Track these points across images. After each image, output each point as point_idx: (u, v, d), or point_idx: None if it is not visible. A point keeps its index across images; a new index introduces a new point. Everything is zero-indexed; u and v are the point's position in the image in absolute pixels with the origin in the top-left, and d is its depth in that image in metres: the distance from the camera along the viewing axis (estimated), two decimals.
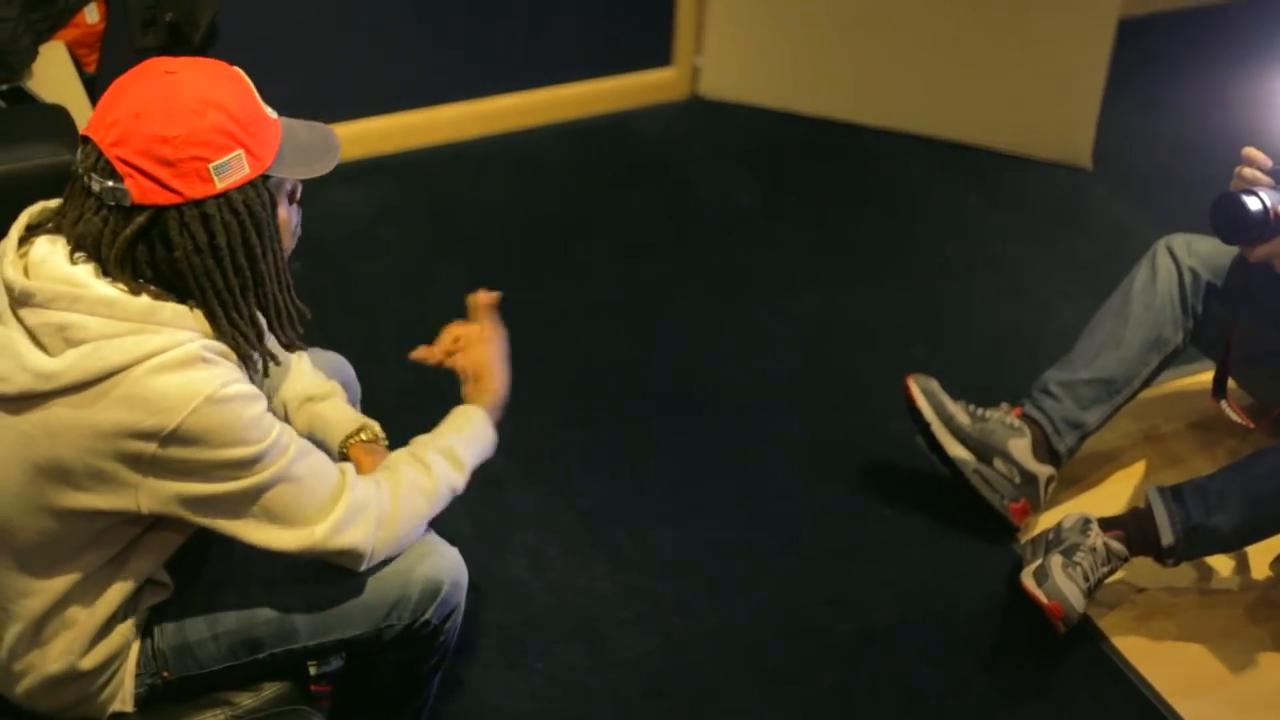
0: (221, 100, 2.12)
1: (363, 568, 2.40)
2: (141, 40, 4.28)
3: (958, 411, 3.62)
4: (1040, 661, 3.37)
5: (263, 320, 2.28)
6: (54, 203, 2.28)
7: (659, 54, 5.36)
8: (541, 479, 3.76)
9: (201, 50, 4.33)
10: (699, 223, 4.84)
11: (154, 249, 2.13)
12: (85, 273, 2.13)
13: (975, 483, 3.59)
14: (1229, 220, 3.09)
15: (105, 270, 2.14)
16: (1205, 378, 3.64)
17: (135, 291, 2.13)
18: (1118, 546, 3.30)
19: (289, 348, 2.36)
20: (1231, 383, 3.60)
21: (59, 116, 3.49)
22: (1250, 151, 3.14)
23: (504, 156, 5.09)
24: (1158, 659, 3.34)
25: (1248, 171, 3.12)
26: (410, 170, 4.96)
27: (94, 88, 4.08)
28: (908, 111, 5.28)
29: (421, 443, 2.56)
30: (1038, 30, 4.99)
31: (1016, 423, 3.59)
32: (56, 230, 2.20)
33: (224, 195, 2.12)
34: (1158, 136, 5.24)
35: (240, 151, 2.12)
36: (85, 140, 2.15)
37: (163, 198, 2.09)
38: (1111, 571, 3.32)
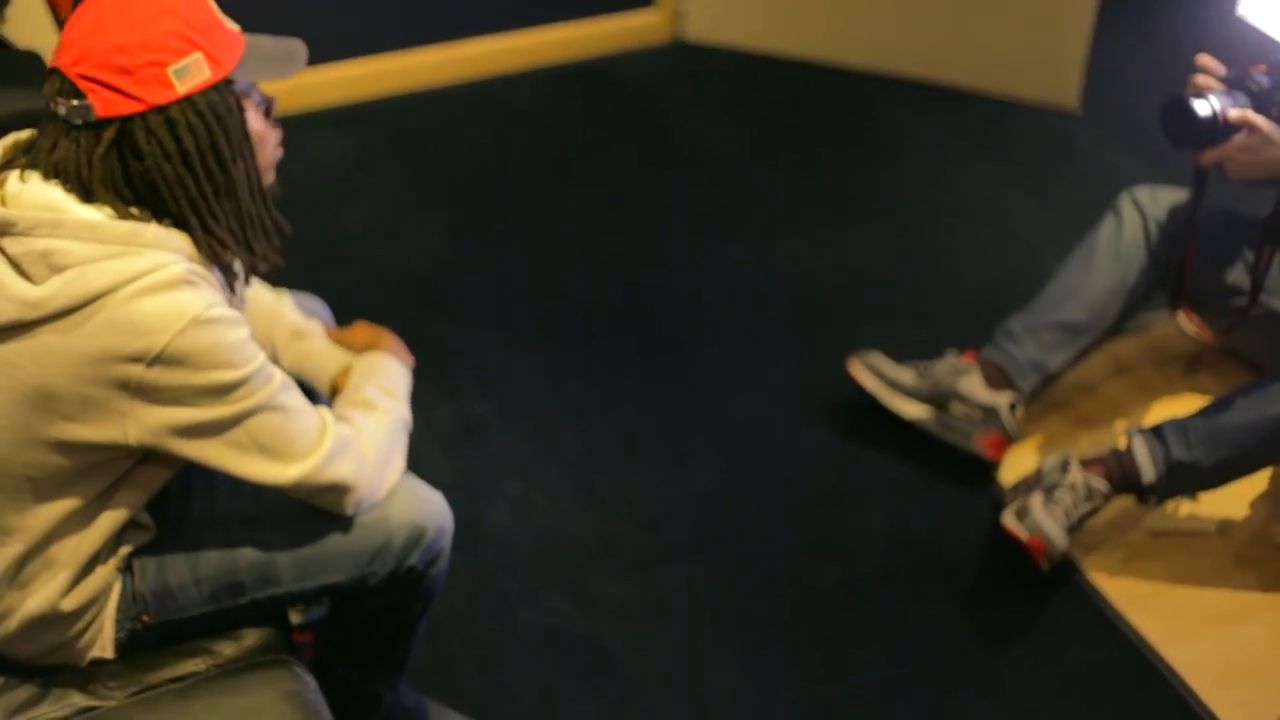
0: (174, 6, 2.12)
1: (349, 508, 2.40)
2: None
3: (902, 374, 3.67)
4: (1026, 606, 3.36)
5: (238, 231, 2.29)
6: (26, 134, 2.28)
7: None
8: (525, 427, 3.75)
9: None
10: (682, 168, 4.82)
11: (126, 163, 2.13)
12: (66, 199, 2.13)
13: (940, 433, 3.62)
14: (1178, 124, 3.09)
15: (89, 195, 2.13)
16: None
17: (119, 215, 2.13)
18: (1099, 483, 3.30)
19: (266, 259, 2.34)
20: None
21: (32, 62, 3.47)
22: (1204, 58, 3.13)
23: (484, 101, 5.06)
24: (1144, 605, 3.34)
25: (1200, 78, 3.11)
26: (389, 116, 4.94)
27: None
28: (893, 53, 5.26)
29: (349, 390, 2.58)
30: None
31: (963, 364, 3.62)
32: (31, 165, 2.18)
33: (187, 99, 2.12)
34: (1147, 78, 5.22)
35: (198, 54, 2.12)
36: (51, 72, 2.14)
37: (126, 107, 2.09)
38: (1093, 510, 3.32)
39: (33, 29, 3.83)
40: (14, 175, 2.18)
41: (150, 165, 2.13)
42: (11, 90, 3.34)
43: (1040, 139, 5.01)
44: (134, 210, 2.15)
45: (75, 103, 2.09)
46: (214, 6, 2.20)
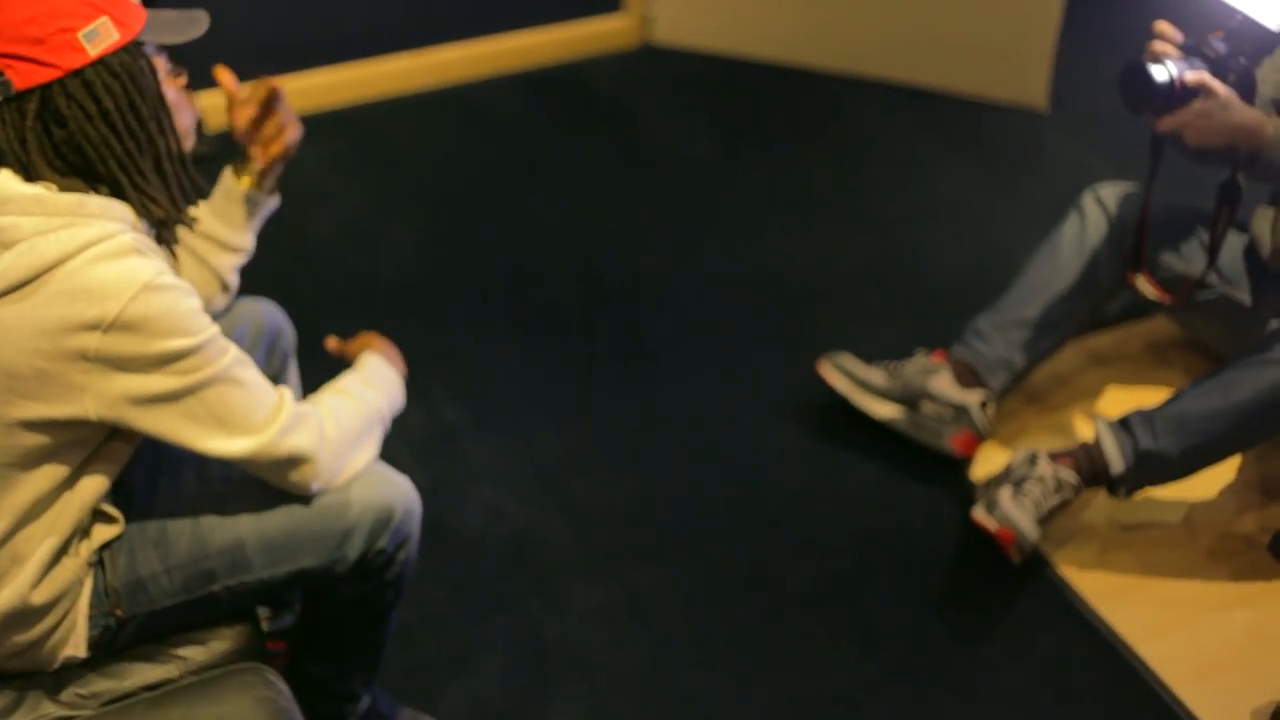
0: None
1: (314, 485, 2.42)
2: None
3: (872, 374, 3.69)
4: (999, 603, 3.37)
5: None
6: None
7: (609, 1, 5.34)
8: (498, 431, 3.75)
9: (150, 3, 4.28)
10: (653, 171, 4.83)
11: (52, 132, 2.17)
12: (8, 178, 2.17)
13: (911, 432, 3.64)
14: (1136, 89, 3.10)
15: (28, 172, 2.17)
16: (1157, 320, 3.66)
17: (60, 188, 2.17)
18: (1068, 475, 3.31)
19: (180, 212, 2.36)
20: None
21: None
22: (1161, 25, 3.15)
23: (454, 108, 5.07)
24: (1118, 599, 3.35)
25: (1158, 45, 3.13)
26: (359, 123, 4.94)
27: None
28: (861, 55, 5.27)
29: (330, 382, 2.62)
30: None
31: (932, 364, 3.64)
32: None
33: (101, 61, 2.17)
34: (1113, 77, 5.23)
35: (105, 18, 2.17)
36: None
37: (43, 75, 2.13)
38: (1064, 503, 3.33)
39: None
40: None
41: (74, 130, 2.17)
42: None
43: (1008, 138, 5.02)
44: (72, 181, 2.19)
45: None
46: None
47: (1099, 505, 3.51)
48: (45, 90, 2.14)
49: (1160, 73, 3.06)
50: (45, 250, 2.09)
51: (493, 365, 3.91)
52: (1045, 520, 3.29)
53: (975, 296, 3.94)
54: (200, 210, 2.76)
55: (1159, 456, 3.26)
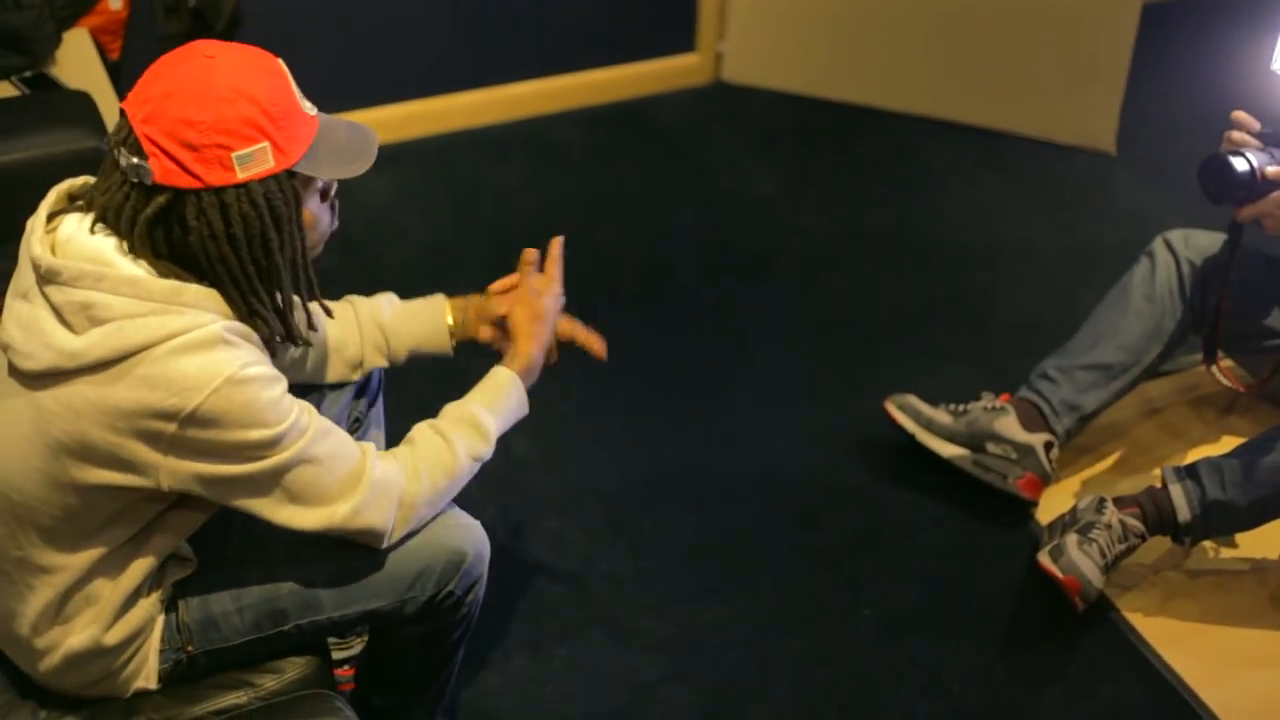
0: (254, 91, 2.11)
1: (383, 545, 2.41)
2: (165, 26, 4.29)
3: (938, 414, 3.68)
4: (1061, 645, 3.36)
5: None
6: (80, 180, 2.29)
7: (682, 39, 5.37)
8: (564, 464, 3.77)
9: (224, 36, 4.34)
10: (721, 208, 4.84)
11: (171, 230, 2.13)
12: (110, 250, 2.14)
13: (976, 473, 3.63)
14: (1216, 181, 3.11)
15: (129, 247, 2.14)
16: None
17: (160, 272, 2.14)
18: (1134, 523, 3.30)
19: (294, 342, 2.33)
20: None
21: (83, 103, 3.50)
22: (1239, 115, 3.15)
23: (526, 143, 5.09)
24: (1180, 645, 3.33)
25: (1235, 134, 3.13)
26: (432, 156, 4.97)
27: (118, 75, 4.09)
28: (930, 96, 5.28)
29: (448, 413, 2.56)
30: (1061, 14, 4.98)
31: (999, 405, 3.64)
32: (87, 207, 2.21)
33: (244, 186, 2.12)
34: (1181, 121, 5.23)
35: (266, 144, 2.11)
36: (122, 113, 2.15)
37: (183, 181, 2.09)
38: (1129, 550, 3.32)
39: (83, 69, 3.87)
40: (71, 217, 2.20)
41: (194, 240, 2.13)
42: (61, 131, 3.36)
43: (1076, 181, 5.02)
44: (174, 268, 2.16)
45: (135, 161, 2.09)
46: (294, 91, 2.20)
47: (1163, 550, 3.50)
48: (179, 193, 2.11)
49: (1240, 164, 3.07)
50: (132, 335, 2.09)
51: (559, 398, 3.92)
52: (1110, 568, 3.29)
53: (1040, 339, 3.95)
54: (401, 307, 2.77)
55: (1226, 507, 3.25)
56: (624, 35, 5.27)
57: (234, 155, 2.09)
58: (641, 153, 5.11)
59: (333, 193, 2.31)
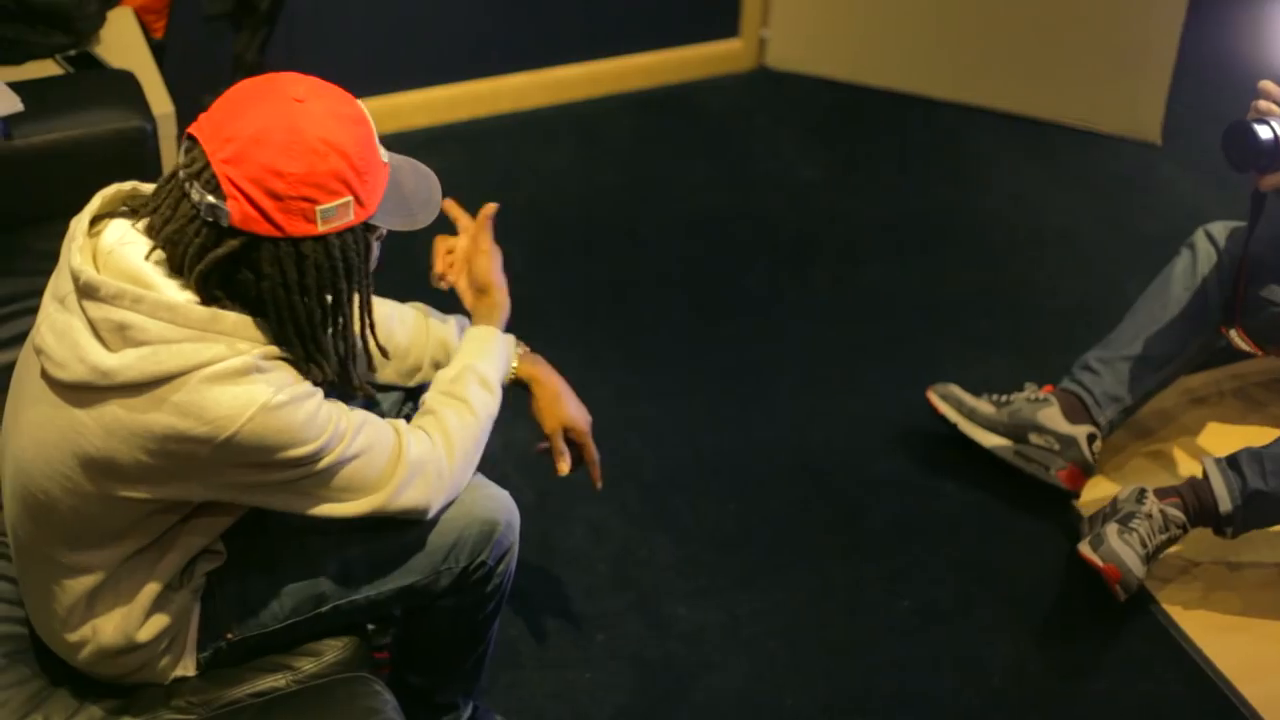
0: (344, 144, 2.09)
1: (428, 518, 2.43)
2: (209, 7, 4.30)
3: (980, 404, 3.69)
4: (1101, 638, 3.36)
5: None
6: (129, 186, 2.27)
7: (725, 25, 5.36)
8: (603, 450, 3.74)
9: (270, 18, 4.34)
10: (763, 194, 4.83)
11: (239, 270, 2.11)
12: (154, 271, 2.12)
13: (1018, 464, 3.63)
14: (1239, 148, 3.10)
15: (180, 270, 2.12)
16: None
17: (202, 301, 2.12)
18: (1175, 513, 3.29)
19: (355, 390, 2.33)
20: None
21: (126, 83, 3.51)
22: (1266, 84, 3.14)
23: (569, 126, 5.09)
24: (1221, 638, 3.33)
25: (1262, 103, 3.12)
26: (476, 139, 4.96)
27: (161, 53, 4.09)
28: (975, 84, 5.26)
29: (453, 377, 2.55)
30: (1108, 2, 4.95)
31: (1043, 396, 3.63)
32: (134, 216, 2.19)
33: (323, 238, 2.11)
34: (1228, 112, 5.16)
35: (349, 199, 2.10)
36: (191, 142, 2.11)
37: (263, 229, 2.07)
38: (1170, 540, 3.31)
39: (127, 48, 3.87)
40: (113, 226, 2.18)
41: (266, 287, 2.11)
42: (105, 110, 3.37)
43: (1121, 171, 5.00)
44: (218, 293, 2.13)
45: (211, 200, 2.06)
46: (376, 140, 2.18)
47: (1205, 542, 3.48)
48: (256, 239, 2.08)
49: (1265, 132, 3.06)
50: (167, 360, 2.07)
51: (598, 383, 3.92)
52: (1151, 558, 3.28)
53: (1084, 329, 3.93)
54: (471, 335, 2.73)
55: (1268, 497, 3.24)
56: (668, 20, 5.26)
57: (319, 209, 2.08)
58: (684, 138, 5.10)
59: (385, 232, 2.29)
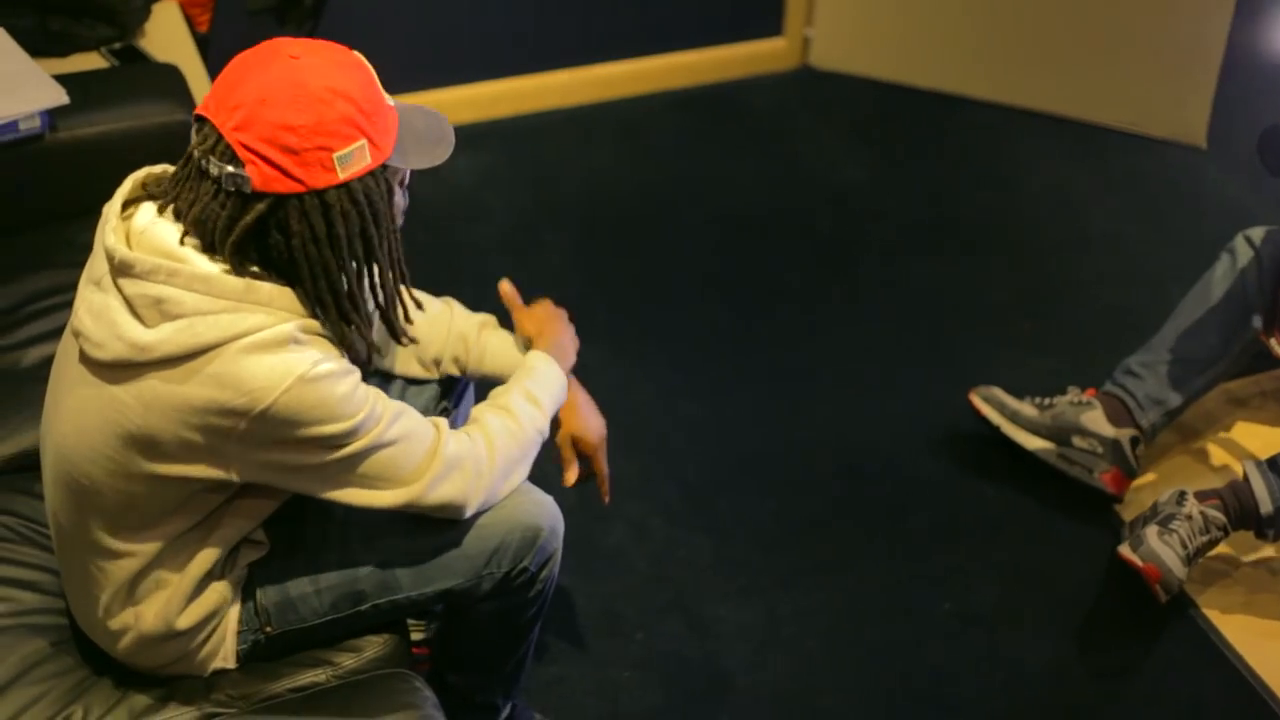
0: (348, 89, 2.11)
1: (464, 517, 2.42)
2: (253, 1, 4.30)
3: (1023, 407, 3.68)
4: (1141, 643, 3.35)
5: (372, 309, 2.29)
6: (159, 169, 2.29)
7: (770, 24, 5.35)
8: (644, 449, 3.76)
9: (314, 12, 4.35)
10: (806, 194, 4.83)
11: (269, 235, 2.12)
12: (188, 248, 2.13)
13: (1062, 466, 3.62)
14: (1275, 151, 3.08)
15: (213, 249, 2.13)
16: None
17: (235, 271, 2.13)
18: (1216, 515, 3.29)
19: (398, 339, 2.35)
20: None
21: (171, 76, 3.52)
22: None
23: (612, 123, 5.09)
24: (1263, 644, 3.31)
25: None
26: (518, 136, 4.97)
27: (206, 47, 4.10)
28: (1018, 86, 5.24)
29: (501, 392, 2.58)
30: (1155, 5, 4.93)
31: (1086, 399, 3.63)
32: (162, 199, 2.19)
33: (345, 185, 2.12)
34: (1275, 117, 5.17)
35: (364, 142, 2.11)
36: (201, 121, 2.13)
37: (285, 186, 2.08)
38: (1211, 543, 3.30)
39: (172, 42, 3.88)
40: (144, 208, 2.19)
41: (297, 245, 2.12)
42: (151, 103, 3.38)
43: (1165, 174, 4.98)
44: (253, 268, 2.15)
45: (230, 169, 2.07)
46: (378, 84, 2.19)
47: (1246, 547, 3.47)
48: (280, 198, 2.10)
49: None
50: (203, 333, 2.08)
51: (640, 382, 3.92)
52: (1192, 560, 3.27)
53: (1128, 332, 3.92)
54: (494, 337, 2.77)
55: None
56: (712, 18, 5.26)
57: (335, 156, 2.09)
58: (727, 136, 5.10)
59: (409, 180, 2.31)
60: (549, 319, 2.80)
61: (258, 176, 2.07)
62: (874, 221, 4.71)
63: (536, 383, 2.61)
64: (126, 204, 2.24)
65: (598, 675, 3.23)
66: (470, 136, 4.78)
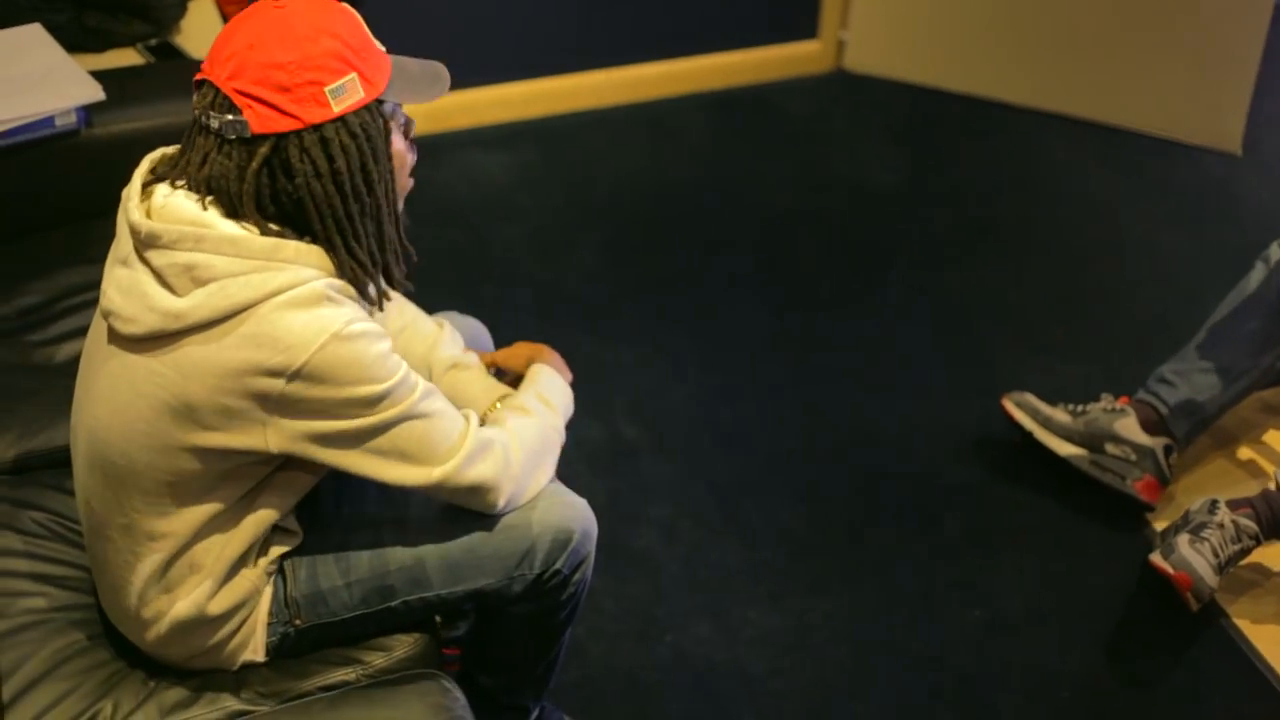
0: (333, 27, 2.14)
1: (494, 507, 2.42)
2: None
3: (1056, 413, 3.68)
4: (1172, 653, 3.33)
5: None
6: (173, 149, 2.31)
7: (804, 26, 5.36)
8: (675, 452, 3.76)
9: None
10: (839, 197, 4.82)
11: (276, 179, 2.14)
12: (209, 212, 2.15)
13: (1094, 474, 3.61)
14: None
15: (233, 210, 2.16)
16: None
17: (260, 230, 2.15)
18: (1247, 524, 3.28)
19: (394, 285, 2.36)
20: None
21: None
22: None
23: (646, 125, 5.09)
24: None
25: None
26: (552, 136, 4.97)
27: None
28: (1054, 91, 5.24)
29: (512, 397, 2.60)
30: (1191, 11, 4.92)
31: (1120, 406, 3.62)
32: (176, 175, 2.21)
33: (341, 119, 2.14)
34: None
35: (354, 75, 2.14)
36: (200, 84, 2.17)
37: (282, 124, 2.11)
38: (1243, 552, 3.30)
39: (207, 39, 3.88)
40: (161, 188, 2.21)
41: (301, 183, 2.14)
42: (186, 100, 3.37)
43: (1200, 181, 4.97)
44: (274, 227, 2.17)
45: (230, 118, 2.11)
46: (365, 27, 2.23)
47: (1278, 556, 3.46)
48: (280, 139, 2.12)
49: None
50: (236, 294, 2.10)
51: (672, 383, 3.92)
52: (1224, 568, 3.26)
53: (1161, 340, 3.91)
54: (467, 374, 2.75)
55: None
56: (747, 21, 5.27)
57: (327, 89, 2.12)
58: (761, 139, 5.10)
59: (412, 132, 2.33)
60: (535, 348, 2.82)
61: (255, 119, 2.10)
62: (907, 225, 4.71)
63: (545, 388, 2.63)
64: (145, 186, 2.25)
65: (625, 676, 3.22)
66: (504, 136, 4.79)
